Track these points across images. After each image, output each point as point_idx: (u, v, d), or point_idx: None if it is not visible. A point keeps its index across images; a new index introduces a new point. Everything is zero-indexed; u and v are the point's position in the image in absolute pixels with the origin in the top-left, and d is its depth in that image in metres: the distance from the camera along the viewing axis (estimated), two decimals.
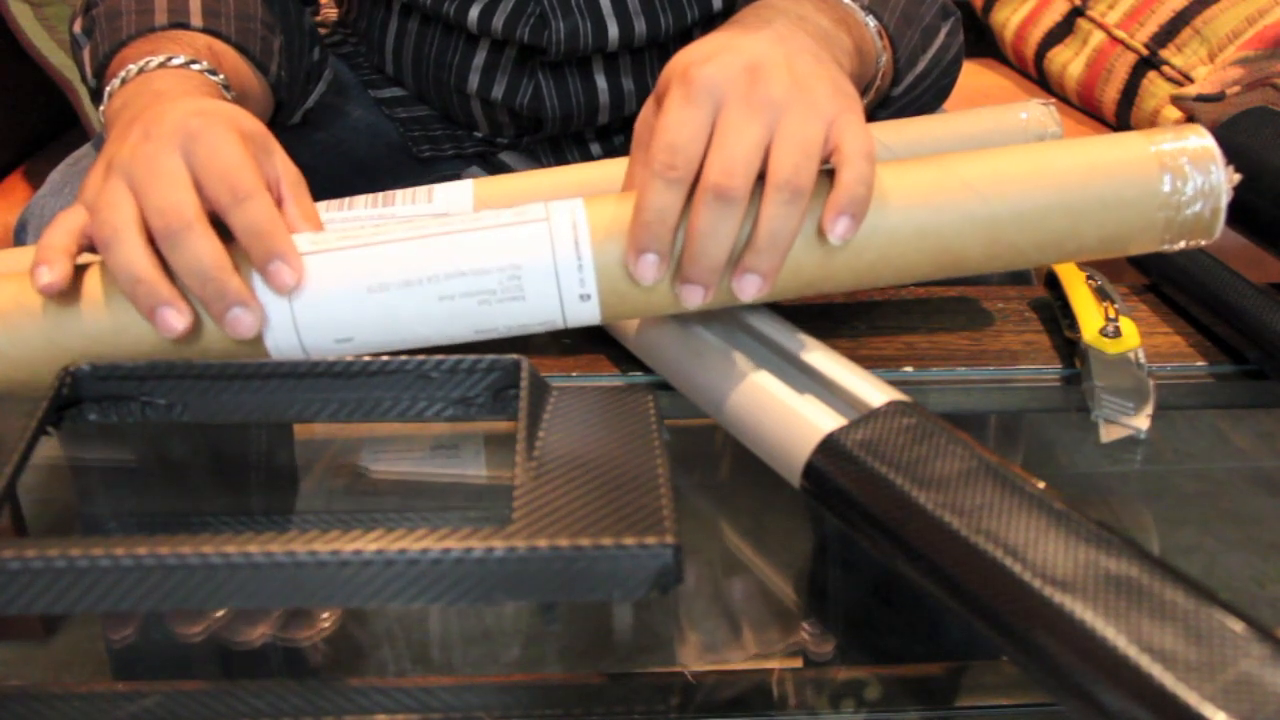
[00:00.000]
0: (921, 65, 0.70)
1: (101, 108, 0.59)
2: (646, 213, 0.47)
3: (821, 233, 0.48)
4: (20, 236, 0.75)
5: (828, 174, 0.48)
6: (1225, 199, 0.49)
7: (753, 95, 0.47)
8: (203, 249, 0.47)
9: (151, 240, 0.48)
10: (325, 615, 0.47)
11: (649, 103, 0.52)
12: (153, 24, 0.62)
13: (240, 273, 0.48)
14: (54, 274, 0.48)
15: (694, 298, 0.48)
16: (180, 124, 0.50)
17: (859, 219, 0.47)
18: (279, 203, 0.51)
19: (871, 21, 0.64)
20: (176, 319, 0.48)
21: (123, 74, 0.58)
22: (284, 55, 0.69)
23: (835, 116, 0.48)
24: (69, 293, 0.49)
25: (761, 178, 0.47)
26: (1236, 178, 0.49)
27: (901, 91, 0.69)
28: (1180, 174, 0.49)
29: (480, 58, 0.81)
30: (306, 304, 0.48)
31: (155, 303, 0.48)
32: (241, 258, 0.49)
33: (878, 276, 0.50)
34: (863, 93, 0.64)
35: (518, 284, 0.48)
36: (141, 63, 0.58)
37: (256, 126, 0.52)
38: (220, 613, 0.46)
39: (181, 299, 0.48)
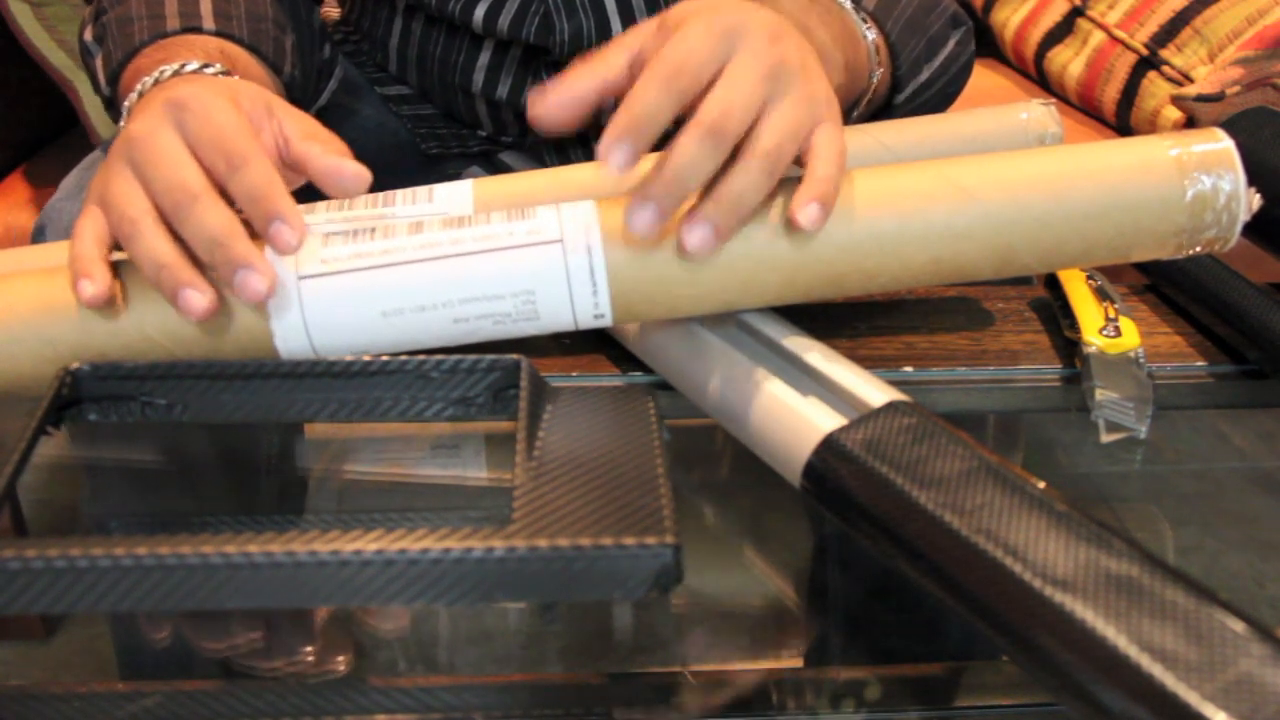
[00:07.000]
0: (926, 74, 0.70)
1: (121, 122, 0.59)
2: (635, 106, 0.46)
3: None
4: (39, 242, 0.75)
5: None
6: (1244, 219, 0.48)
7: (769, 56, 0.47)
8: (208, 218, 0.47)
9: (169, 223, 0.48)
10: (341, 659, 0.46)
11: (648, 23, 0.50)
12: (164, 29, 0.62)
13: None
14: (97, 286, 0.48)
15: (644, 219, 0.46)
16: (169, 99, 0.49)
17: (828, 209, 0.47)
18: (286, 144, 0.51)
19: (871, 35, 0.64)
20: (198, 299, 0.47)
21: (139, 87, 0.58)
22: (296, 54, 0.69)
23: (823, 118, 0.48)
24: (70, 295, 0.49)
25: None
26: (1257, 200, 0.49)
27: (904, 99, 0.69)
28: (1203, 203, 0.48)
29: (485, 58, 0.81)
30: (320, 328, 0.48)
31: (176, 285, 0.47)
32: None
33: (880, 285, 0.50)
34: (848, 110, 0.65)
35: (532, 308, 0.48)
36: (156, 73, 0.57)
37: (251, 88, 0.52)
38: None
39: (203, 280, 0.47)
